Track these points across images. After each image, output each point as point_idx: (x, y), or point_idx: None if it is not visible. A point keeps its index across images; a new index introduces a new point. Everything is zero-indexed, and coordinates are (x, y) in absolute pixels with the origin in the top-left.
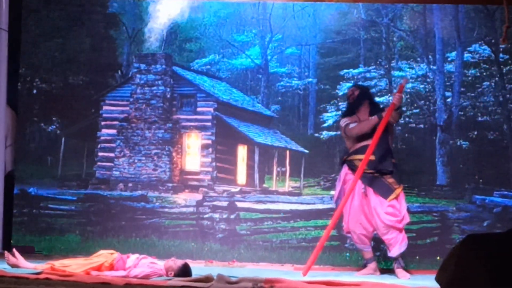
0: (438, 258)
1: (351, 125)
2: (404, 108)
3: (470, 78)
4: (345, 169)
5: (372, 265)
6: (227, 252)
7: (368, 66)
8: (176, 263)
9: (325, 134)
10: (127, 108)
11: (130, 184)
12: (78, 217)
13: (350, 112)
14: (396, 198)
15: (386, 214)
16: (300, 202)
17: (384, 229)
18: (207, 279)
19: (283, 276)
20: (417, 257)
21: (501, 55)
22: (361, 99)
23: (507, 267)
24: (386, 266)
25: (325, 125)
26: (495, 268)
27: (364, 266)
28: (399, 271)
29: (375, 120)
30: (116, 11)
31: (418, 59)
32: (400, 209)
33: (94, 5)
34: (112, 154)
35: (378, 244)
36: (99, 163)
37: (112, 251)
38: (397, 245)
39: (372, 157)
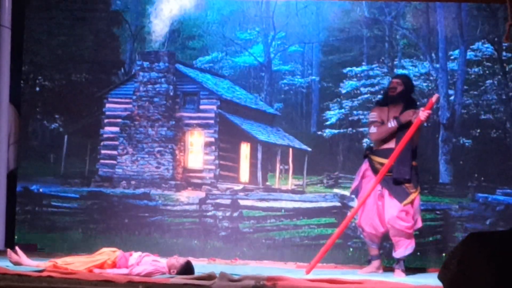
0: (444, 254)
1: (372, 129)
2: None
3: (473, 76)
4: (365, 164)
5: (376, 263)
6: (230, 250)
7: (371, 64)
8: (178, 260)
9: (328, 132)
10: (130, 105)
11: (133, 182)
12: (81, 215)
13: (384, 103)
14: (411, 203)
15: (398, 218)
16: (303, 200)
17: (394, 231)
18: (209, 277)
19: (286, 274)
20: (420, 255)
21: (504, 53)
22: (400, 97)
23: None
24: (388, 264)
25: (328, 123)
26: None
27: (369, 262)
28: (397, 272)
29: (395, 127)
30: (119, 8)
31: (421, 57)
32: (413, 214)
33: (97, 3)
34: (115, 152)
35: (381, 242)
36: (102, 161)
37: (114, 249)
38: (402, 248)
39: (386, 161)
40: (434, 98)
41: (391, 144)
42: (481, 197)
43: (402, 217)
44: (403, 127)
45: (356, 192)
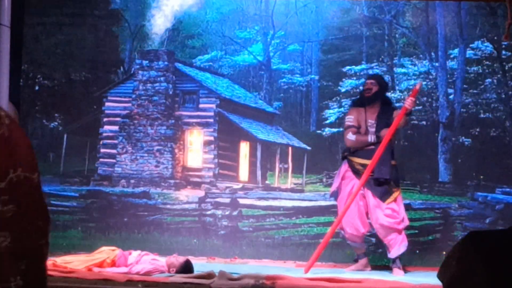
0: (444, 253)
1: (350, 136)
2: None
3: (472, 75)
4: (345, 166)
5: (363, 261)
6: (229, 249)
7: (371, 62)
8: (178, 259)
9: (327, 130)
10: (130, 104)
11: (132, 181)
12: (80, 214)
13: (360, 104)
14: (394, 200)
15: (385, 216)
16: (302, 198)
17: (383, 231)
18: (209, 275)
19: (285, 273)
20: (420, 254)
21: (503, 52)
22: (376, 97)
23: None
24: (388, 263)
25: (327, 121)
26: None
27: (355, 261)
28: (395, 270)
29: (373, 142)
30: (119, 7)
31: (421, 56)
32: (399, 211)
33: (97, 2)
34: (114, 151)
35: (380, 241)
36: (101, 160)
37: (114, 247)
38: (396, 246)
39: (367, 161)
40: (417, 86)
41: (371, 145)
42: (481, 196)
43: (388, 214)
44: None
45: (335, 193)
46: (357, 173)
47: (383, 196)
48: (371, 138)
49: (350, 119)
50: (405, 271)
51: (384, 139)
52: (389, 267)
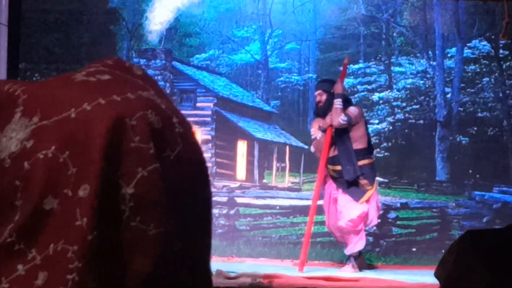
0: (442, 251)
1: (311, 148)
2: (404, 104)
3: (470, 74)
4: (326, 170)
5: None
6: (227, 248)
7: (368, 61)
8: None
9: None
10: None
11: None
12: None
13: (321, 115)
14: (368, 200)
15: (349, 221)
16: (299, 197)
17: (339, 232)
18: None
19: (282, 272)
20: (417, 253)
21: (501, 51)
22: (330, 105)
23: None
24: (385, 262)
25: None
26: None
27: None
28: (345, 267)
29: (322, 136)
30: (116, 6)
31: (418, 54)
32: (367, 213)
33: (94, 0)
34: None
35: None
36: None
37: None
38: (351, 245)
39: (338, 167)
40: (345, 61)
41: (335, 151)
42: (478, 195)
43: (353, 219)
44: (337, 130)
45: (320, 196)
46: (334, 178)
47: (357, 196)
48: (318, 135)
49: (312, 132)
50: (401, 271)
51: (327, 134)
52: (386, 266)
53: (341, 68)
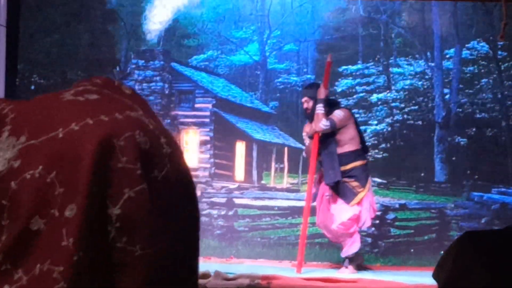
0: (441, 253)
1: (304, 152)
2: (402, 105)
3: (468, 75)
4: (321, 171)
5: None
6: (225, 249)
7: (367, 62)
8: None
9: None
10: None
11: None
12: None
13: (311, 120)
14: (359, 202)
15: (340, 225)
16: (298, 198)
17: (332, 234)
18: (204, 275)
19: (281, 273)
20: (415, 254)
21: (499, 52)
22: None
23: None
24: (383, 263)
25: None
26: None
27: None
28: (341, 269)
29: (310, 141)
30: (115, 6)
31: (417, 55)
32: (359, 215)
33: (93, 1)
34: None
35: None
36: None
37: None
38: (346, 247)
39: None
40: (328, 58)
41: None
42: (476, 195)
43: (345, 222)
44: (323, 134)
45: (314, 196)
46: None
47: (348, 198)
48: (306, 140)
49: (304, 136)
50: (398, 271)
51: (312, 149)
52: (384, 267)
53: (339, 69)
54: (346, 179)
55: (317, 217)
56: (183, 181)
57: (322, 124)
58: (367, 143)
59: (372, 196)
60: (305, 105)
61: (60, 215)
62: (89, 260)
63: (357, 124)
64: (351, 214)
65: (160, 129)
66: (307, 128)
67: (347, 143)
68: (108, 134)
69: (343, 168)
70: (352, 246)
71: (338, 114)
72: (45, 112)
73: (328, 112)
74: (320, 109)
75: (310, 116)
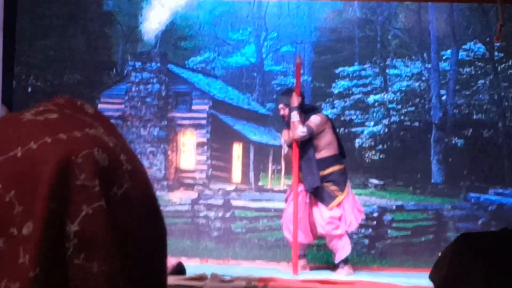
0: (439, 253)
1: (282, 160)
2: (399, 106)
3: (465, 76)
4: None
5: (300, 262)
6: (222, 250)
7: (363, 64)
8: (170, 261)
9: None
10: (122, 106)
11: None
12: None
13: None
14: (339, 205)
15: (326, 224)
16: None
17: (327, 238)
18: (201, 277)
19: (278, 275)
20: (412, 255)
21: (496, 53)
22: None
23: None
24: (380, 265)
25: None
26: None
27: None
28: (337, 271)
29: (288, 150)
30: (111, 9)
31: (413, 57)
32: (341, 217)
33: (89, 3)
34: None
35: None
36: None
37: None
38: (338, 252)
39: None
40: (298, 60)
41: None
42: (473, 197)
43: (328, 221)
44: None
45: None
46: None
47: (326, 201)
48: (284, 149)
49: (283, 143)
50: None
51: (293, 158)
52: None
53: (335, 71)
54: (324, 184)
55: (284, 220)
56: (144, 198)
57: (299, 131)
58: (344, 148)
59: (354, 199)
60: (281, 112)
61: (18, 233)
62: (46, 276)
63: (334, 129)
64: (331, 214)
65: (121, 147)
66: (285, 135)
67: (325, 148)
68: (67, 152)
69: (321, 173)
70: (343, 250)
71: (314, 119)
72: (4, 132)
73: (304, 118)
74: (294, 117)
75: (287, 123)
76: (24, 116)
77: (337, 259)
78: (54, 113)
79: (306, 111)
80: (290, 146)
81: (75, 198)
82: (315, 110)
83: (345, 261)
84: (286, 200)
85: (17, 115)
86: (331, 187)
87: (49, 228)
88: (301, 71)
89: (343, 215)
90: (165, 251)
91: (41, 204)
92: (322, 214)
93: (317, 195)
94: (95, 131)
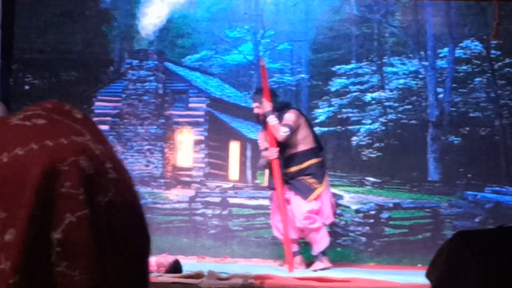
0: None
1: (260, 162)
2: (396, 104)
3: (461, 74)
4: None
5: (297, 259)
6: (220, 248)
7: (360, 62)
8: (167, 259)
9: (317, 130)
10: (119, 104)
11: None
12: None
13: (265, 127)
14: (318, 197)
15: (303, 219)
16: None
17: (301, 232)
18: (197, 275)
19: (275, 272)
20: (409, 253)
21: (492, 51)
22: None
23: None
24: (378, 262)
25: (317, 121)
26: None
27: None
28: (317, 263)
29: (263, 164)
30: (109, 6)
31: (410, 55)
32: (319, 210)
33: (86, 1)
34: None
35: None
36: None
37: None
38: (316, 245)
39: (287, 170)
40: (261, 62)
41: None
42: (470, 195)
43: (306, 216)
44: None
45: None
46: (284, 180)
47: (305, 194)
48: (261, 161)
49: (259, 143)
50: (392, 271)
51: (275, 173)
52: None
53: (332, 69)
54: (303, 177)
55: (272, 219)
56: (129, 206)
57: (282, 132)
58: (321, 142)
59: (330, 193)
60: (256, 111)
61: (1, 240)
62: (26, 284)
63: (309, 123)
64: (309, 208)
65: (107, 154)
66: (263, 136)
67: (301, 142)
68: (52, 159)
69: (299, 167)
70: (321, 243)
71: (290, 117)
72: None
73: (279, 117)
74: (272, 121)
75: (263, 122)
76: (11, 120)
77: (315, 251)
78: (42, 119)
79: (278, 109)
80: (266, 166)
81: (59, 205)
82: (288, 106)
83: (323, 253)
84: (270, 200)
85: (4, 119)
86: (309, 180)
87: (31, 235)
88: (299, 69)
89: (321, 207)
90: (148, 259)
91: (24, 211)
92: (301, 208)
93: (296, 188)
94: (82, 138)
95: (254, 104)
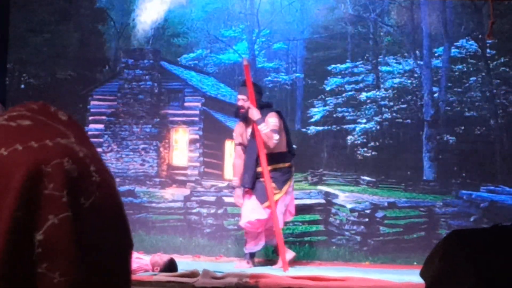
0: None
1: (236, 160)
2: (391, 103)
3: (457, 73)
4: None
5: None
6: (215, 247)
7: (355, 61)
8: (162, 258)
9: (312, 129)
10: (115, 103)
11: (117, 179)
12: None
13: (242, 120)
14: (276, 202)
15: (248, 223)
16: None
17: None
18: (192, 274)
19: (270, 271)
20: (404, 252)
21: (488, 50)
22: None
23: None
24: (372, 261)
25: (312, 120)
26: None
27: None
28: (242, 263)
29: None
30: (104, 5)
31: (405, 54)
32: (268, 219)
33: (82, 0)
34: (99, 149)
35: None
36: None
37: None
38: (251, 245)
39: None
40: (244, 62)
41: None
42: (465, 194)
43: (252, 222)
44: (251, 137)
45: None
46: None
47: (262, 199)
48: (236, 161)
49: (234, 137)
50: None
51: (258, 146)
52: (373, 265)
53: (328, 68)
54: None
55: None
56: (112, 208)
57: (275, 140)
58: (294, 146)
59: (291, 200)
60: (240, 103)
61: None
62: (8, 283)
63: (286, 127)
64: (258, 216)
65: (91, 157)
66: (242, 128)
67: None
68: (37, 160)
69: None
70: (257, 245)
71: (274, 122)
72: None
73: (265, 115)
74: (264, 128)
75: (243, 115)
76: None
77: (248, 250)
78: (27, 119)
79: (260, 107)
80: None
81: (42, 207)
82: (268, 106)
83: (251, 254)
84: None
85: None
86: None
87: (13, 236)
88: (294, 68)
89: (270, 215)
90: (130, 260)
91: (7, 212)
92: (252, 212)
93: (256, 190)
94: (66, 141)
95: (240, 96)
